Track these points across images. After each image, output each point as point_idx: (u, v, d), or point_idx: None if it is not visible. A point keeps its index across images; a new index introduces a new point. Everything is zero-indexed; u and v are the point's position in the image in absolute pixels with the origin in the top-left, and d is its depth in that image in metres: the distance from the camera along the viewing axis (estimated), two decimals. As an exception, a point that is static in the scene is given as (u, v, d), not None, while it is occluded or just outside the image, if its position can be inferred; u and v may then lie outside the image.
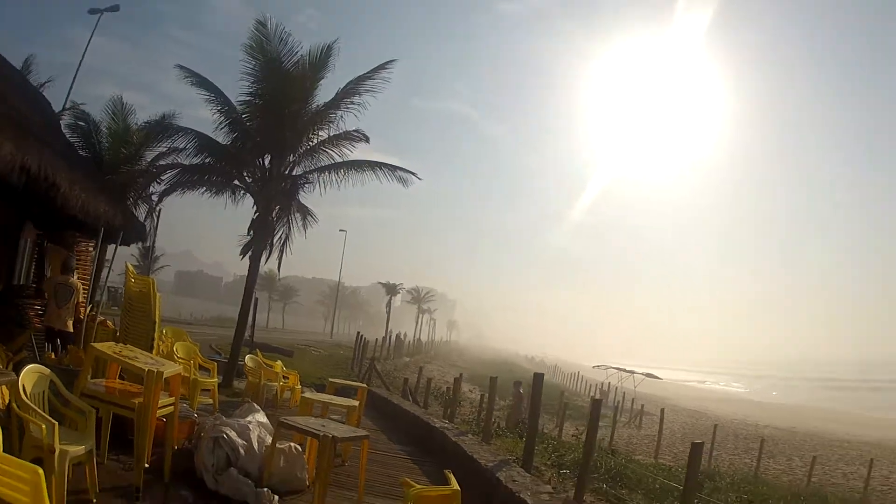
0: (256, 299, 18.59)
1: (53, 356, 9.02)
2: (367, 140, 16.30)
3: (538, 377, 9.90)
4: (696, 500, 9.70)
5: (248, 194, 15.79)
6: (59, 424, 4.47)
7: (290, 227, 16.07)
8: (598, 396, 46.62)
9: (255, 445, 6.52)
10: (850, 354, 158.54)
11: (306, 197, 16.46)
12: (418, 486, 6.13)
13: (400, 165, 17.44)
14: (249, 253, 15.40)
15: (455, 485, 5.82)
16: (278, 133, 15.16)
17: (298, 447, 7.02)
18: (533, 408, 10.10)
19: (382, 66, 15.54)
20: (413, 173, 16.28)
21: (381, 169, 16.01)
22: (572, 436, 20.48)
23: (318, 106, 15.75)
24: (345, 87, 15.46)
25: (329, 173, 16.06)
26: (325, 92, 15.73)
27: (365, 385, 13.16)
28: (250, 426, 6.74)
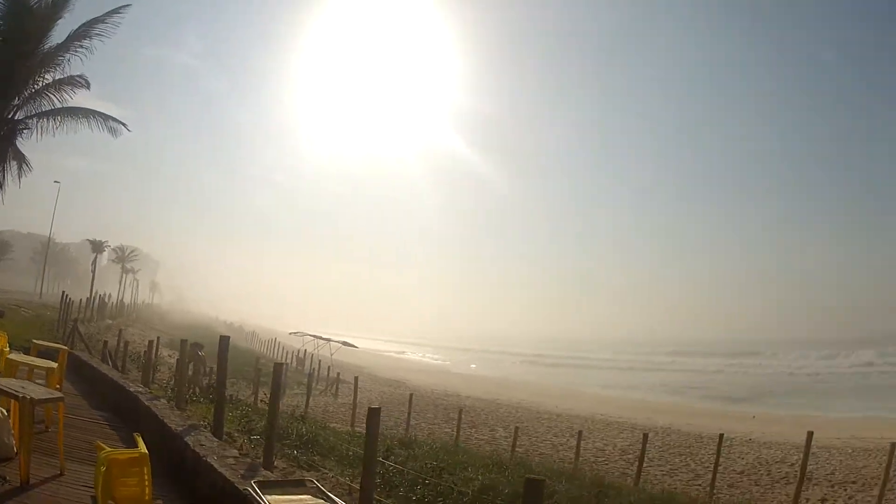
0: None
1: None
2: (88, 86, 15.38)
3: (224, 340, 9.89)
4: (381, 466, 10.02)
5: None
6: None
7: (4, 176, 14.83)
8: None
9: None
10: (558, 332, 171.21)
11: (23, 143, 15.24)
12: (108, 450, 5.93)
13: (114, 116, 16.61)
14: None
15: (143, 448, 5.67)
16: (8, 71, 13.87)
17: (4, 412, 6.54)
18: (220, 373, 10.08)
19: (116, 11, 14.71)
20: (124, 124, 15.72)
21: (94, 117, 15.17)
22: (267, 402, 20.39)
23: (50, 47, 14.63)
24: (77, 29, 14.50)
25: (47, 119, 14.98)
26: (60, 33, 14.66)
27: (66, 347, 12.46)
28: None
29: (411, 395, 28.21)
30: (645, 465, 18.61)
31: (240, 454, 7.47)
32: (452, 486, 10.90)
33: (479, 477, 12.41)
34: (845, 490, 18.10)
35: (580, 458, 19.54)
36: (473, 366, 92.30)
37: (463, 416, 23.81)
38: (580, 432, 21.27)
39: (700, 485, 18.14)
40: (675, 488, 17.03)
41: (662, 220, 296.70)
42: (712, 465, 17.18)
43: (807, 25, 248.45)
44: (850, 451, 24.11)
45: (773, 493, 17.95)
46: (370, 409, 7.05)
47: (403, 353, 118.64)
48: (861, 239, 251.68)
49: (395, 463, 11.68)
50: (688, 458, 22.83)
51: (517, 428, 22.49)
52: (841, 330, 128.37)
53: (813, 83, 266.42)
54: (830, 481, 19.19)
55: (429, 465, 12.45)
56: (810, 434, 15.17)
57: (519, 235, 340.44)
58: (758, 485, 19.11)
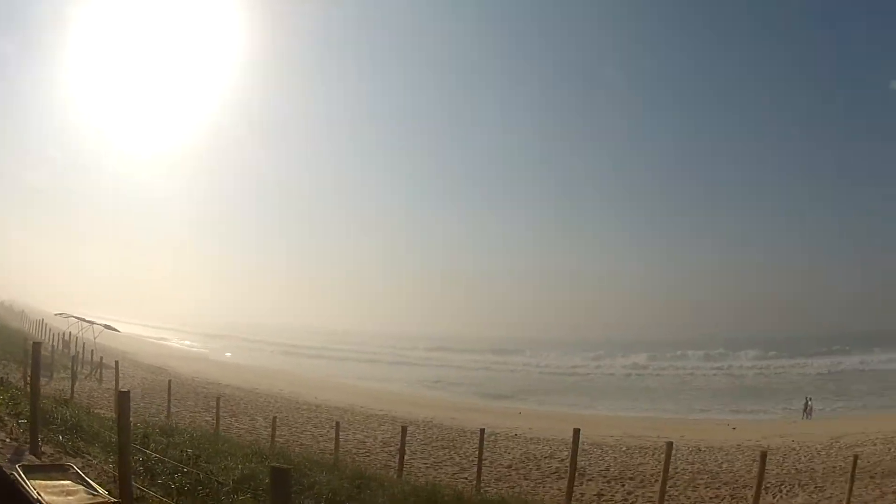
0: None
1: None
2: None
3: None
4: (142, 453, 9.87)
5: None
6: None
7: None
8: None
9: None
10: (320, 323, 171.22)
11: None
12: None
13: None
14: None
15: None
16: None
17: None
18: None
19: None
20: None
21: None
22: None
23: None
24: None
25: None
26: None
27: None
28: None
29: (170, 381, 27.43)
30: (408, 457, 18.85)
31: (9, 438, 7.00)
32: (211, 474, 10.55)
33: (240, 466, 12.05)
34: (623, 486, 19.12)
35: (341, 450, 19.59)
36: (228, 354, 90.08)
37: (223, 404, 23.33)
38: (338, 423, 21.38)
39: (466, 478, 18.39)
40: (441, 480, 17.18)
41: (431, 218, 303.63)
42: (477, 459, 17.32)
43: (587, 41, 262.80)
44: (624, 448, 25.58)
45: (544, 487, 18.42)
46: (120, 394, 7.11)
47: (164, 339, 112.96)
48: (628, 243, 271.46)
49: (156, 451, 11.16)
50: (452, 452, 23.25)
51: (276, 418, 22.34)
52: (610, 332, 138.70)
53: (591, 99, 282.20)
54: (605, 477, 20.20)
55: (188, 454, 12.00)
56: (577, 431, 15.41)
57: (281, 225, 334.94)
58: (527, 479, 19.61)
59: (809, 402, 43.61)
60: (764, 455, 15.13)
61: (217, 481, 10.29)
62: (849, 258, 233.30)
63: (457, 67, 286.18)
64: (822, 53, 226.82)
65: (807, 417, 41.92)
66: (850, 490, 15.59)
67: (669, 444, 15.28)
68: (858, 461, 16.10)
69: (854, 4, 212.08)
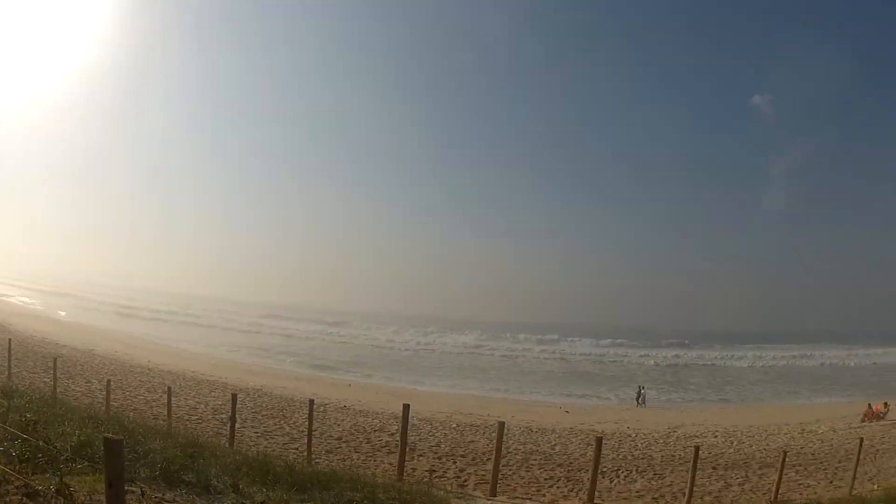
0: None
1: None
2: None
3: None
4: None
5: None
6: None
7: None
8: None
9: None
10: (157, 286, 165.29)
11: None
12: None
13: None
14: None
15: None
16: None
17: None
18: None
19: None
20: None
21: None
22: None
23: None
24: None
25: None
26: None
27: None
28: None
29: (10, 340, 26.37)
30: (239, 426, 18.79)
31: None
32: (49, 441, 10.46)
33: (77, 432, 11.79)
34: (455, 463, 19.25)
35: (174, 416, 19.34)
36: (63, 313, 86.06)
37: (60, 365, 22.86)
38: (170, 388, 21.05)
39: (297, 448, 18.35)
40: (272, 450, 16.72)
41: (266, 187, 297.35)
42: (307, 429, 17.05)
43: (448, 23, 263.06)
44: (454, 425, 25.96)
45: (374, 461, 18.42)
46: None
47: (6, 295, 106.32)
48: (469, 224, 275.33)
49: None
50: (282, 422, 23.37)
51: (110, 381, 22.18)
52: (445, 310, 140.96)
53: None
54: (437, 453, 20.38)
55: (27, 419, 12.08)
56: (406, 406, 15.43)
57: (131, 186, 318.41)
58: (358, 452, 19.65)
59: (642, 391, 45.00)
60: (600, 439, 15.31)
61: (55, 448, 10.57)
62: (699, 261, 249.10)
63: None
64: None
65: (640, 405, 43.15)
66: (693, 479, 15.70)
67: (501, 424, 15.36)
68: (700, 452, 16.31)
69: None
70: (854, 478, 17.27)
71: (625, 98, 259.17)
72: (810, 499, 15.59)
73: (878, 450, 24.04)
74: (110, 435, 5.39)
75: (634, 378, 58.73)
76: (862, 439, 18.71)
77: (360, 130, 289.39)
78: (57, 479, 7.46)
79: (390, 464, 16.94)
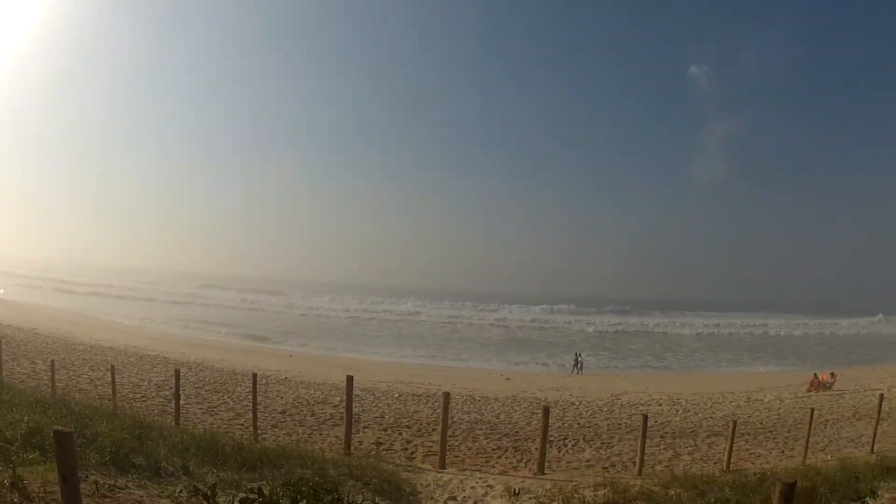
0: None
1: None
2: None
3: None
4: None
5: None
6: None
7: None
8: None
9: None
10: (84, 259, 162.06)
11: None
12: None
13: None
14: None
15: None
16: None
17: None
18: None
19: None
20: None
21: None
22: None
23: None
24: None
25: None
26: None
27: None
28: None
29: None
30: (183, 402, 18.61)
31: None
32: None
33: (25, 419, 11.59)
34: (400, 434, 19.14)
35: (118, 395, 19.02)
36: (1, 291, 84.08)
37: (5, 346, 22.24)
38: (113, 367, 20.55)
39: (242, 424, 18.16)
40: (218, 427, 16.98)
41: (207, 159, 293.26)
42: (251, 404, 16.93)
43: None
44: (397, 395, 25.92)
45: (321, 434, 18.27)
46: None
47: None
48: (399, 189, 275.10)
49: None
50: (225, 396, 23.22)
51: (54, 361, 21.72)
52: (384, 280, 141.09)
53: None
54: (381, 424, 20.26)
55: None
56: (350, 378, 15.41)
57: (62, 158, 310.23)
58: (303, 426, 19.51)
59: (580, 358, 45.50)
60: (547, 409, 15.45)
61: (6, 437, 10.28)
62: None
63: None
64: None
65: (577, 372, 43.66)
66: (643, 448, 15.71)
67: (446, 395, 15.41)
68: (647, 420, 16.15)
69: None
70: (807, 447, 17.65)
71: (555, 69, 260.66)
72: (764, 468, 15.70)
73: (826, 420, 24.49)
74: (60, 428, 5.44)
75: (573, 345, 59.52)
76: (813, 409, 19.37)
77: (294, 101, 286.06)
78: (10, 471, 7.47)
79: (336, 437, 16.99)
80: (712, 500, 11.19)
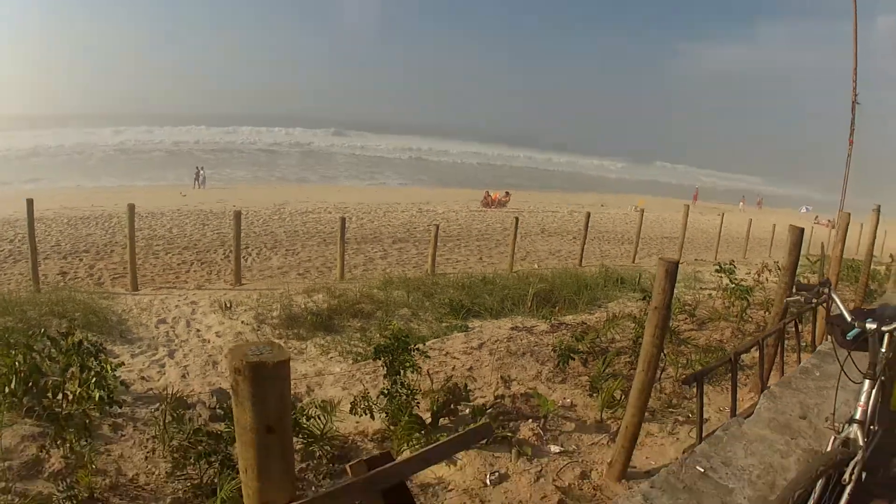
0: None
1: None
2: None
3: None
4: None
5: None
6: None
7: None
8: None
9: None
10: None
11: None
12: None
13: None
14: None
15: None
16: None
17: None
18: None
19: None
20: None
21: None
22: None
23: None
24: None
25: None
26: None
27: None
28: None
29: None
30: None
31: None
32: None
33: None
34: (81, 260, 17.65)
35: None
36: None
37: None
38: None
39: None
40: None
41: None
42: None
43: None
44: (66, 220, 23.76)
45: (5, 274, 15.98)
46: None
47: None
48: None
49: None
50: None
51: None
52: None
53: None
54: (60, 253, 18.43)
55: None
56: (30, 201, 13.98)
57: None
58: None
59: (201, 172, 44.80)
60: (238, 213, 15.62)
61: None
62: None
63: None
64: None
65: (199, 187, 42.87)
66: (342, 253, 16.40)
67: (131, 206, 14.40)
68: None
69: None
70: (512, 256, 19.11)
71: None
72: (471, 271, 16.95)
73: (510, 232, 26.15)
74: None
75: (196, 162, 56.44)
76: (517, 219, 19.86)
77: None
78: None
79: (21, 274, 15.49)
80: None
